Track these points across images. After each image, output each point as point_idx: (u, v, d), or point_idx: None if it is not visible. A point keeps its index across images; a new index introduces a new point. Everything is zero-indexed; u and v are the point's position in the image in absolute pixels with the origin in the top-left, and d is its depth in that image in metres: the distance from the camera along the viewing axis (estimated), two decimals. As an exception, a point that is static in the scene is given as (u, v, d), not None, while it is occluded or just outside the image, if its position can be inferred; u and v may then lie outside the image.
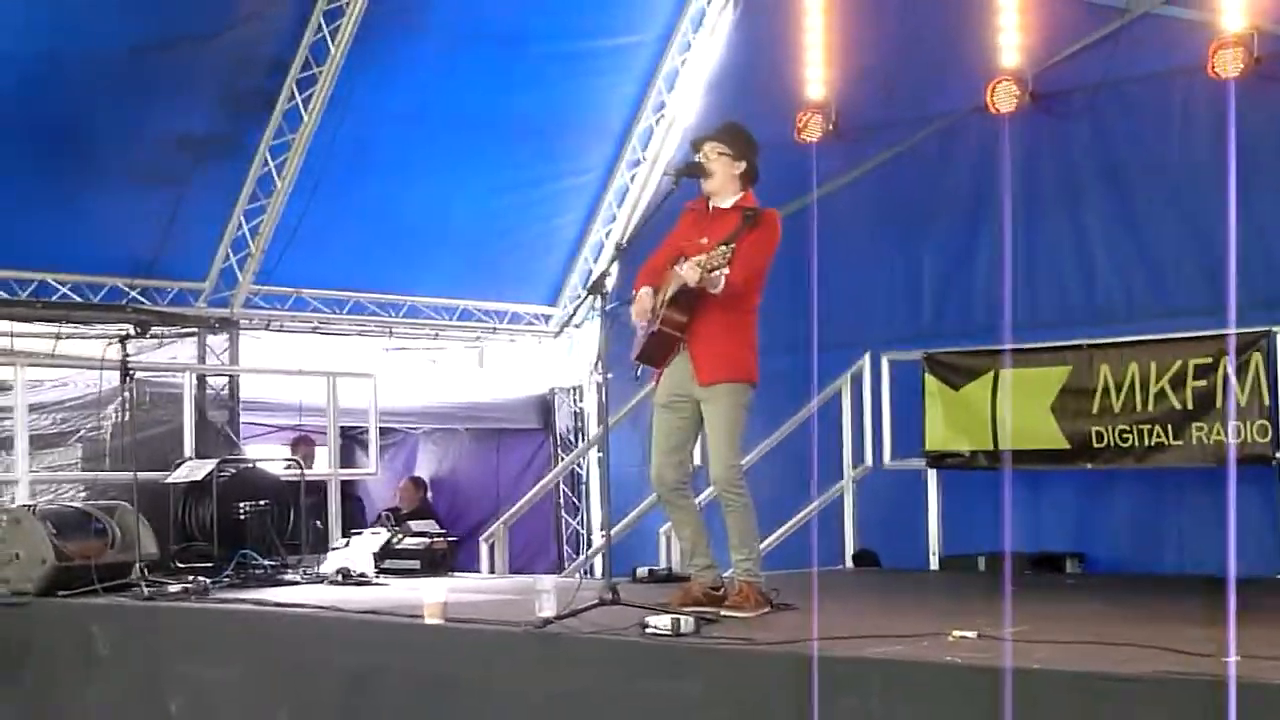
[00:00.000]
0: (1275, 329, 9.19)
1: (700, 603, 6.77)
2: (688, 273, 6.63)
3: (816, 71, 12.45)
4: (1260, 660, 4.85)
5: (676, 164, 11.24)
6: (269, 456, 12.21)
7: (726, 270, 6.58)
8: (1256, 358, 9.17)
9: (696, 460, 7.26)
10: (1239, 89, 10.04)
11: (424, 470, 15.26)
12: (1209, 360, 9.38)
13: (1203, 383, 9.41)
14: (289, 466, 10.79)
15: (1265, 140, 10.19)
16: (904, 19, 11.99)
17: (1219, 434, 9.31)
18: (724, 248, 6.57)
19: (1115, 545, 10.72)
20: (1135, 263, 10.91)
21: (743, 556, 6.87)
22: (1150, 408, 9.64)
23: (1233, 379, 9.18)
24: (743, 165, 6.98)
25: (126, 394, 9.35)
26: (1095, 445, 9.87)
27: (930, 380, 10.61)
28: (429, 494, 14.26)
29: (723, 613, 6.63)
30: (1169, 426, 9.56)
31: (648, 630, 5.95)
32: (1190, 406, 9.47)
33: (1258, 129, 10.18)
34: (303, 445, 12.89)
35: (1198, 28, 10.48)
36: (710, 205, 7.03)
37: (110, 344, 9.05)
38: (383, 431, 12.67)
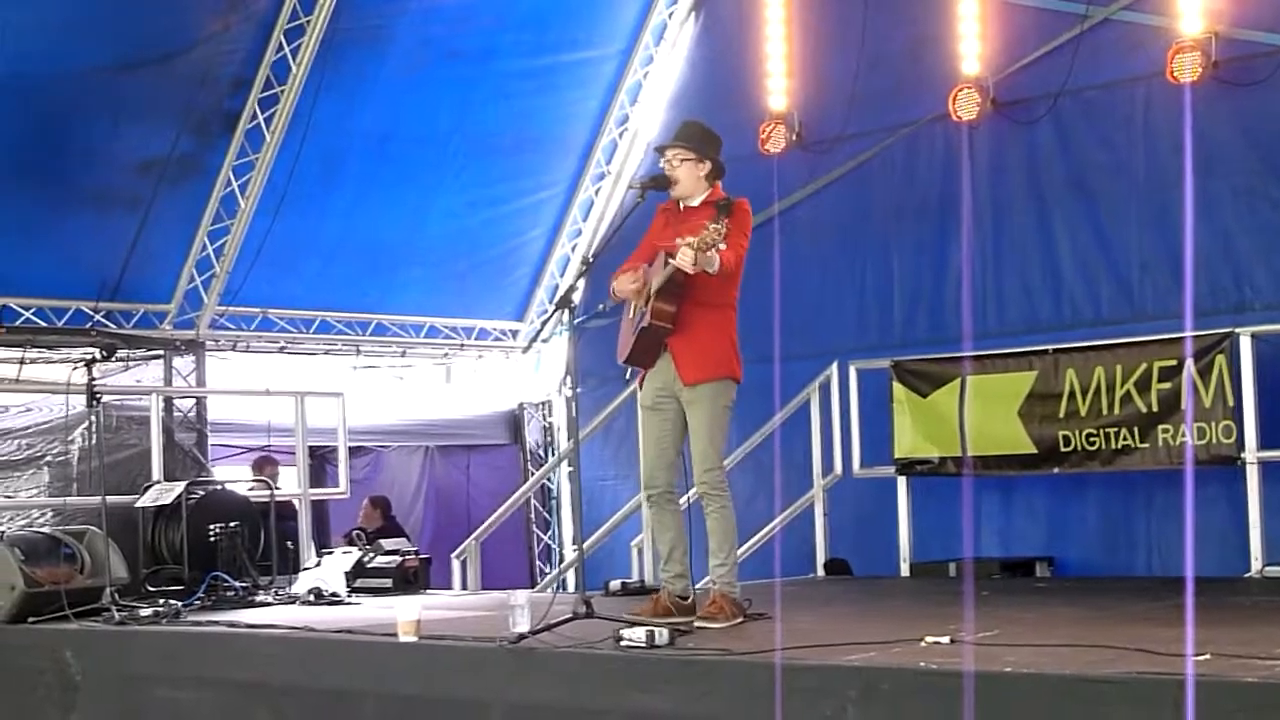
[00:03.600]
0: (1239, 330, 9.24)
1: (669, 612, 6.76)
2: (681, 258, 6.57)
3: (779, 83, 12.51)
4: (1231, 659, 4.89)
5: (641, 177, 11.27)
6: (238, 478, 12.16)
7: (723, 246, 6.57)
8: (1220, 359, 9.22)
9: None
10: (1201, 93, 10.12)
11: (394, 488, 15.21)
12: (1173, 363, 9.42)
13: (1167, 385, 9.45)
14: (256, 487, 10.75)
15: (1228, 144, 10.27)
16: (865, 29, 12.02)
17: (1185, 435, 9.36)
18: (714, 225, 6.55)
19: (1087, 549, 10.76)
20: (1103, 269, 10.96)
21: (719, 562, 6.87)
22: (1116, 411, 9.68)
23: (1194, 380, 9.23)
24: (707, 165, 7.00)
25: (93, 418, 9.30)
26: (1063, 449, 9.91)
27: (898, 388, 10.64)
28: (392, 511, 14.18)
29: (696, 623, 6.63)
30: (1135, 429, 9.60)
31: (622, 643, 5.95)
32: (1156, 409, 9.52)
33: (1220, 133, 10.25)
34: (267, 466, 12.83)
35: (1157, 33, 10.55)
36: (681, 205, 7.06)
37: (76, 368, 8.99)
38: (352, 450, 12.63)
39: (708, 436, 6.86)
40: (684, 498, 7.22)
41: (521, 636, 6.19)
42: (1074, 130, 11.12)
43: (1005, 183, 11.39)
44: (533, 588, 12.56)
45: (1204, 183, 10.15)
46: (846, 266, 12.29)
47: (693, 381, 6.86)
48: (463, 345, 14.74)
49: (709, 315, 6.88)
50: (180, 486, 9.78)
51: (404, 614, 6.71)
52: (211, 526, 9.55)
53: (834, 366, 10.95)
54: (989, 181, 11.40)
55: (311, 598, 8.99)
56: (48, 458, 11.77)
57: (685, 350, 6.88)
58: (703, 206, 6.95)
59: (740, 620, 6.75)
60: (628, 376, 7.30)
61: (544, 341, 14.49)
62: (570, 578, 11.62)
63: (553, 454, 14.79)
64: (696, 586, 7.09)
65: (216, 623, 7.95)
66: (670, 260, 6.68)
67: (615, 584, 9.12)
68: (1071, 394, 9.85)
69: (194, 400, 12.69)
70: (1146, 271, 10.69)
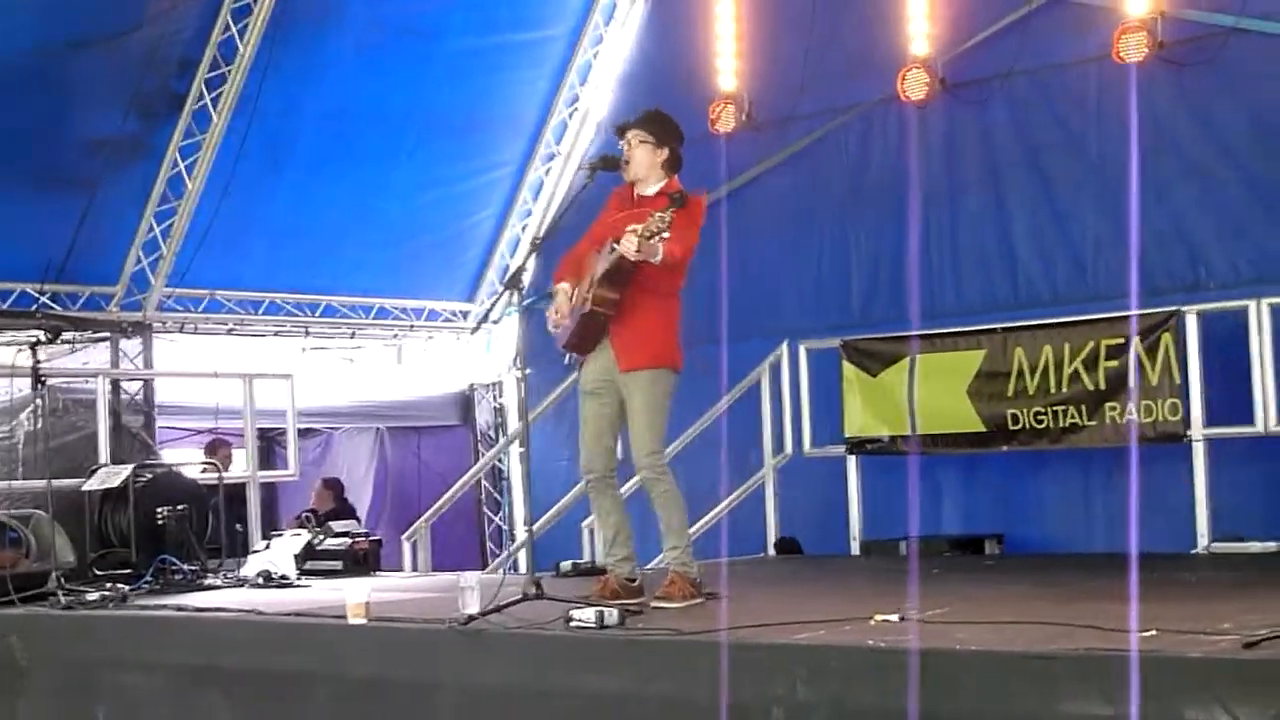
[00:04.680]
0: (1184, 309, 9.31)
1: (618, 594, 6.76)
2: (625, 244, 6.53)
3: (729, 63, 12.49)
4: (1177, 634, 4.92)
5: (591, 158, 11.20)
6: (186, 461, 12.08)
7: (667, 235, 6.52)
8: (1166, 337, 9.29)
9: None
10: (1149, 74, 10.18)
11: (344, 470, 15.15)
12: (1120, 341, 9.48)
13: (1115, 363, 9.51)
14: (206, 469, 10.68)
15: (1179, 125, 10.33)
16: (815, 8, 12.02)
17: (1130, 413, 9.42)
18: (660, 213, 6.52)
19: (1040, 526, 10.82)
20: (1058, 249, 11.01)
21: (672, 544, 6.87)
22: (1064, 389, 9.74)
23: (1140, 358, 9.30)
24: (665, 152, 6.97)
25: (39, 401, 9.24)
26: (1012, 427, 9.96)
27: (848, 367, 10.67)
28: (344, 494, 14.11)
29: (652, 603, 6.63)
30: (1083, 407, 9.66)
31: (572, 624, 5.95)
32: (1103, 387, 9.58)
33: (1171, 113, 10.31)
34: (221, 448, 12.75)
35: (1104, 13, 10.59)
36: (635, 194, 7.03)
37: (21, 350, 8.91)
38: (302, 432, 12.56)
39: (645, 422, 6.85)
40: (626, 484, 7.21)
41: (471, 618, 6.18)
42: (1026, 111, 11.15)
43: (958, 163, 11.42)
44: (483, 569, 12.55)
45: (1156, 163, 10.20)
46: (800, 247, 12.28)
47: (630, 368, 6.85)
48: (413, 326, 14.70)
49: (651, 303, 6.85)
50: (128, 469, 9.70)
51: (353, 596, 6.70)
52: (159, 509, 9.49)
53: (784, 346, 10.97)
54: (942, 162, 11.43)
55: (260, 580, 8.95)
56: (-7, 441, 11.68)
57: (624, 337, 6.86)
58: (658, 196, 6.90)
59: (699, 600, 6.76)
60: (567, 361, 7.28)
61: (494, 322, 14.45)
62: (521, 559, 11.60)
63: (503, 435, 14.77)
64: (649, 566, 7.09)
65: (164, 606, 7.91)
66: (615, 246, 6.66)
67: (566, 565, 9.12)
68: (1020, 372, 9.91)
69: (141, 383, 12.61)
70: (1101, 251, 10.73)
